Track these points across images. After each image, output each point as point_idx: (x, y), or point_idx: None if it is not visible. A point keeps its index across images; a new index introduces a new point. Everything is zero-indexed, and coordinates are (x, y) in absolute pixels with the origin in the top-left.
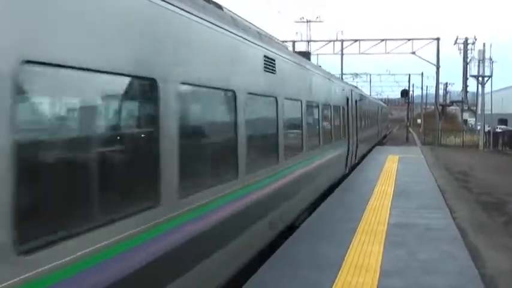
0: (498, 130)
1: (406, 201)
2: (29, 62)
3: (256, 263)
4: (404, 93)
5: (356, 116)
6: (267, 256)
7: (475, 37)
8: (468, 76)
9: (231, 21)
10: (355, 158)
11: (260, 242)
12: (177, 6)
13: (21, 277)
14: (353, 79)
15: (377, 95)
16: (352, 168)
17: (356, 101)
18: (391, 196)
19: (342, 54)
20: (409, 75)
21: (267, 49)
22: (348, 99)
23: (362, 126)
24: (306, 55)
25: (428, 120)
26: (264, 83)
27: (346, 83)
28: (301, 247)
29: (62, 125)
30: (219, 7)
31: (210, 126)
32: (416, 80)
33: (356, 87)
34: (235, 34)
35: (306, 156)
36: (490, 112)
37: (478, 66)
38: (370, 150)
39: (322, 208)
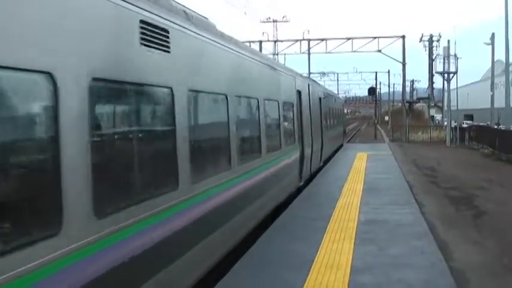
0: (464, 125)
1: (376, 198)
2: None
3: (228, 262)
4: (372, 90)
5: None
6: (239, 256)
7: (439, 34)
8: (434, 73)
9: None
10: None
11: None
12: None
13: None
14: (320, 78)
15: (345, 93)
16: None
17: None
18: (361, 193)
19: (309, 54)
20: (376, 72)
21: None
22: None
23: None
24: None
25: (396, 117)
26: None
27: None
28: (272, 247)
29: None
30: None
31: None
32: (383, 78)
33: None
34: None
35: None
36: (456, 108)
37: (444, 62)
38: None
39: (292, 208)
